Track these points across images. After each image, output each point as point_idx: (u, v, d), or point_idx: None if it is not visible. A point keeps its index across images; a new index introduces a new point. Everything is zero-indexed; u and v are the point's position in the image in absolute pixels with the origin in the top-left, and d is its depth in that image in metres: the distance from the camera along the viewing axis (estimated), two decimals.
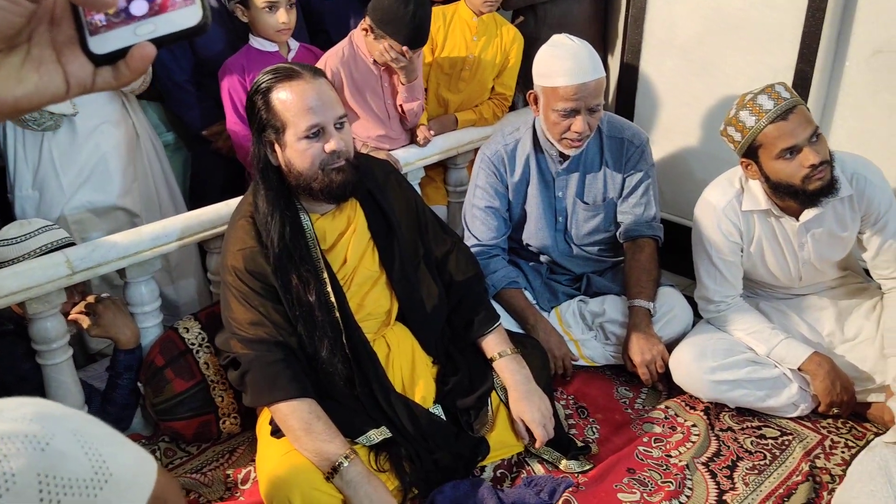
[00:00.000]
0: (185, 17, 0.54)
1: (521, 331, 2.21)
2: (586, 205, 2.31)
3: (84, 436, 0.55)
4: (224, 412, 2.01)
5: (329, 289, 1.77)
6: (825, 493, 1.81)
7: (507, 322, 2.17)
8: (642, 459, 1.93)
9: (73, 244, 1.90)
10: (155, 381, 1.96)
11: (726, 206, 2.05)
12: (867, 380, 2.03)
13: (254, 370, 1.70)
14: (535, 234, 2.36)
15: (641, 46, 2.76)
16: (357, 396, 1.79)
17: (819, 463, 1.91)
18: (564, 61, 2.05)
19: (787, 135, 1.85)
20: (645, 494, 1.81)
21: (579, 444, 1.97)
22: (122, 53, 0.53)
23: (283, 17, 2.28)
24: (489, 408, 1.90)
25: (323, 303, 1.75)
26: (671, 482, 1.84)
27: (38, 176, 2.24)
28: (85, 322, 1.94)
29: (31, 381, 1.87)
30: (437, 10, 2.54)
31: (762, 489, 1.83)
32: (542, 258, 2.43)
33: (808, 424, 2.05)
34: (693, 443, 1.99)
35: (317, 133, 1.67)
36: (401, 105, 2.41)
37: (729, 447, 1.97)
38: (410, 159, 2.44)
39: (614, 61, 2.90)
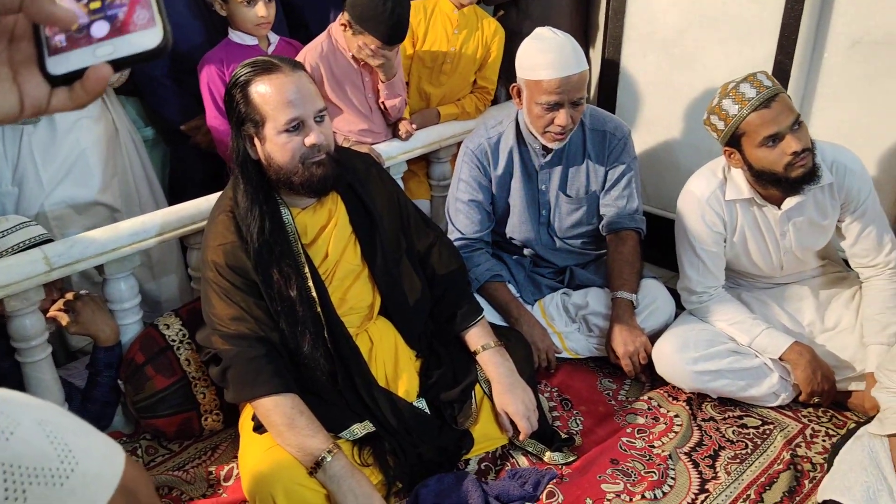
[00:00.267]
0: (146, 39, 0.54)
1: (504, 324, 2.21)
2: (569, 198, 2.31)
3: (50, 425, 0.54)
4: (206, 409, 1.99)
5: (310, 283, 1.76)
6: (806, 482, 1.82)
7: (490, 315, 2.17)
8: (626, 450, 1.94)
9: (50, 240, 1.88)
10: (135, 378, 1.94)
11: (710, 197, 2.06)
12: (847, 368, 2.05)
13: (235, 366, 1.69)
14: (518, 227, 2.36)
15: (622, 40, 2.77)
16: (340, 391, 1.78)
17: (800, 451, 1.93)
18: (548, 54, 2.05)
19: (769, 122, 1.86)
20: (628, 485, 1.82)
21: (563, 436, 1.97)
22: (79, 74, 0.53)
23: (262, 11, 2.27)
24: (473, 401, 1.90)
25: (304, 298, 1.74)
26: (654, 472, 1.85)
27: (18, 171, 2.21)
28: (64, 319, 1.92)
29: (10, 379, 1.85)
30: (417, 4, 2.54)
31: (744, 478, 1.84)
32: (526, 251, 2.44)
33: (790, 413, 2.07)
34: (676, 433, 2.00)
35: (297, 126, 1.65)
36: (383, 102, 2.40)
37: (711, 437, 1.99)
38: (393, 153, 2.43)
39: (596, 55, 2.91)
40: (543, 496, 1.77)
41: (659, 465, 1.88)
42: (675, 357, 2.07)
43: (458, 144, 2.51)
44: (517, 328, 2.17)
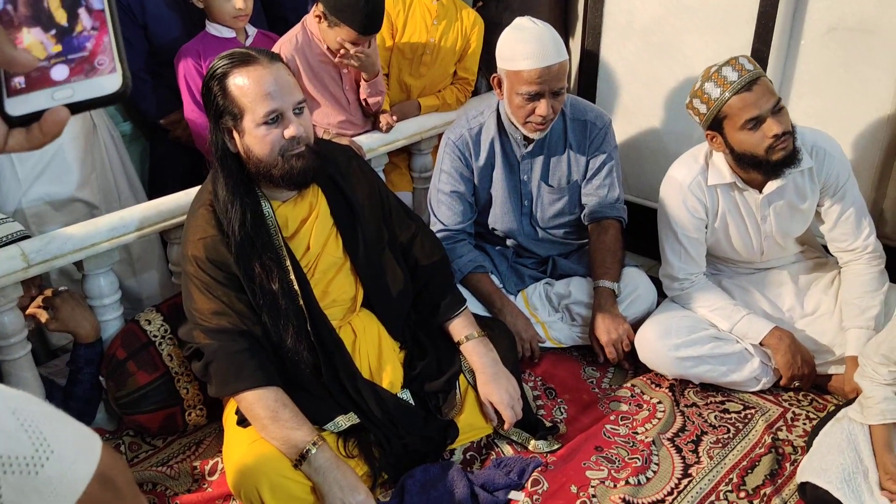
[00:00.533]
0: (105, 83, 0.55)
1: (488, 314, 2.22)
2: (551, 188, 2.32)
3: (23, 414, 0.54)
4: (189, 404, 1.98)
5: (292, 276, 1.75)
6: (788, 465, 1.85)
7: (474, 306, 2.18)
8: (609, 437, 1.95)
9: (28, 237, 1.85)
10: (117, 374, 1.92)
11: (692, 183, 2.08)
12: (827, 352, 2.08)
13: (218, 360, 1.68)
14: (500, 218, 2.36)
15: (601, 30, 2.77)
16: (324, 384, 1.78)
17: (781, 435, 1.95)
18: (528, 45, 2.05)
19: (751, 105, 1.87)
20: (612, 471, 1.83)
21: (547, 424, 1.99)
22: (36, 116, 0.54)
23: (240, 4, 2.25)
24: (457, 391, 1.91)
25: (286, 291, 1.73)
26: (638, 458, 1.87)
27: None
28: (43, 316, 1.90)
29: None
30: None
31: (726, 462, 1.86)
32: (508, 242, 2.44)
33: (770, 398, 2.10)
34: (659, 419, 2.02)
35: (275, 119, 1.64)
36: (365, 99, 2.40)
37: (693, 422, 2.01)
38: (374, 145, 2.43)
39: (575, 45, 2.91)
40: (529, 484, 1.78)
41: (642, 451, 1.90)
42: (657, 344, 2.09)
43: (440, 136, 2.51)
44: (500, 318, 2.18)
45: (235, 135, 1.68)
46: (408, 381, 1.89)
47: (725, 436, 1.95)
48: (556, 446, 1.91)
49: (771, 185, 1.99)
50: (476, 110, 2.32)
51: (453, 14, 2.59)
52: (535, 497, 1.75)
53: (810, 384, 2.08)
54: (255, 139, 1.65)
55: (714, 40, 2.48)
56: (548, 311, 2.31)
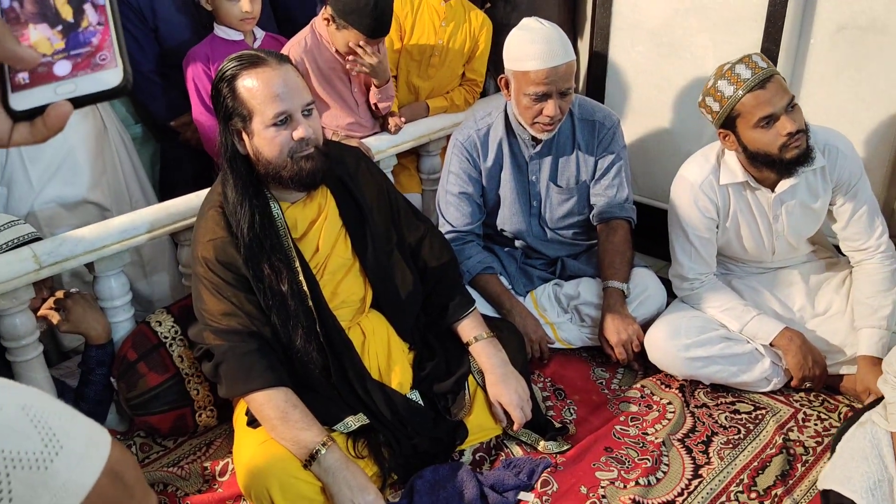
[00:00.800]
0: (107, 78, 0.56)
1: (497, 315, 2.22)
2: (560, 188, 2.32)
3: (33, 410, 0.55)
4: (200, 405, 1.99)
5: (301, 277, 1.76)
6: (799, 465, 1.83)
7: (483, 307, 2.17)
8: (619, 438, 1.95)
9: (39, 239, 1.87)
10: (128, 375, 1.94)
11: (703, 182, 2.07)
12: (838, 353, 2.06)
13: (228, 361, 1.69)
14: (509, 219, 2.36)
15: (610, 30, 2.77)
16: (334, 384, 1.79)
17: (792, 436, 1.94)
18: (535, 45, 2.05)
19: (764, 103, 1.87)
20: (622, 472, 1.83)
21: (557, 425, 1.98)
22: (40, 110, 0.55)
23: (247, 6, 2.26)
24: (466, 392, 1.91)
25: (296, 292, 1.74)
26: (648, 459, 1.86)
27: (6, 171, 2.20)
28: (55, 318, 1.91)
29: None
30: None
31: (737, 462, 1.86)
32: (517, 243, 2.44)
33: (781, 398, 2.08)
34: (669, 420, 2.01)
35: (284, 120, 1.65)
36: (375, 104, 2.40)
37: (704, 423, 2.00)
38: (382, 147, 2.43)
39: (584, 46, 2.91)
40: (538, 485, 1.78)
41: (652, 451, 1.89)
42: (667, 344, 2.08)
43: (448, 137, 2.51)
44: (509, 319, 2.18)
45: (245, 136, 1.68)
46: (417, 382, 1.89)
47: (736, 436, 1.94)
48: (565, 447, 1.91)
49: (783, 184, 1.99)
50: (484, 111, 2.32)
51: (461, 16, 2.60)
52: (544, 498, 1.75)
53: (822, 385, 2.07)
54: (264, 141, 1.66)
55: (723, 40, 2.48)
56: (557, 311, 2.31)
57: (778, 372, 2.08)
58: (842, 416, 2.00)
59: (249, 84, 1.64)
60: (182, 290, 2.36)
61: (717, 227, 2.13)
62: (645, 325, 2.18)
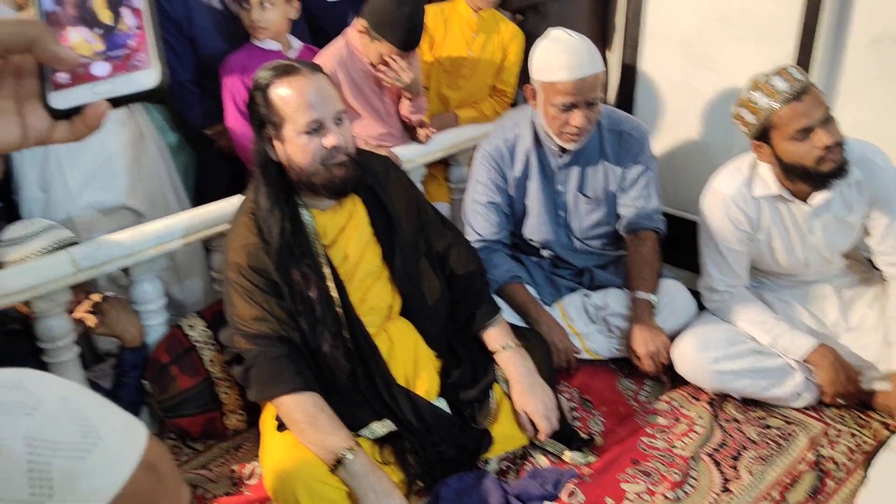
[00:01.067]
0: (143, 79, 0.58)
1: (524, 325, 2.22)
2: (587, 198, 2.31)
3: (72, 402, 0.57)
4: (229, 409, 2.02)
5: (330, 284, 1.78)
6: (830, 482, 1.80)
7: (509, 316, 2.17)
8: (646, 450, 1.93)
9: (77, 243, 1.91)
10: (160, 378, 1.97)
11: (735, 193, 2.05)
12: (871, 368, 2.03)
13: (258, 365, 1.71)
14: (536, 228, 2.36)
15: (641, 41, 2.77)
16: (360, 390, 1.80)
17: (824, 452, 1.91)
18: (562, 56, 2.06)
19: (801, 116, 1.85)
20: (649, 485, 1.81)
21: (583, 436, 1.97)
22: (79, 109, 0.57)
23: (255, 15, 2.30)
24: (492, 400, 1.91)
25: (324, 297, 1.76)
26: (676, 472, 1.84)
27: (45, 177, 2.26)
28: (90, 320, 1.95)
29: None
30: (435, 8, 2.56)
31: (767, 478, 1.83)
32: (545, 253, 2.44)
33: (813, 414, 2.05)
34: (697, 433, 1.99)
35: (316, 128, 1.68)
36: (407, 116, 2.43)
37: (733, 437, 1.97)
38: (412, 156, 2.45)
39: (614, 56, 2.91)
40: (564, 495, 1.77)
41: (681, 465, 1.87)
42: (695, 356, 2.07)
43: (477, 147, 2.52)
44: (536, 329, 2.17)
45: (277, 143, 1.72)
46: (443, 390, 1.90)
47: (766, 452, 1.92)
48: (591, 458, 1.90)
49: (818, 197, 1.96)
50: (511, 121, 2.33)
51: (492, 27, 2.61)
52: None
53: (855, 401, 2.04)
54: (296, 148, 1.69)
55: (755, 51, 2.46)
56: (584, 321, 2.30)
57: (810, 387, 2.05)
58: (874, 433, 1.97)
59: (283, 92, 1.67)
60: (214, 295, 2.40)
61: (750, 240, 2.11)
62: (673, 337, 2.16)
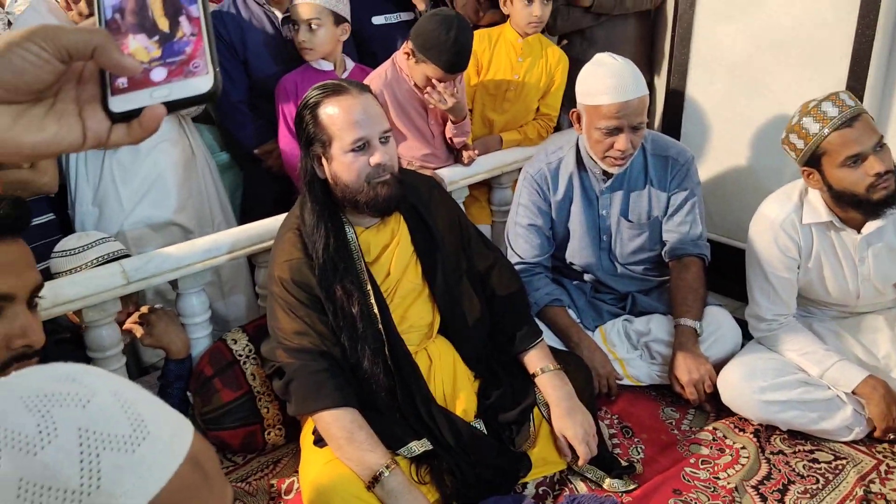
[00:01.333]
0: (199, 84, 0.60)
1: (564, 349, 2.20)
2: (631, 223, 2.30)
3: (123, 396, 0.58)
4: (269, 423, 2.04)
5: (372, 300, 1.79)
6: None
7: (550, 340, 2.15)
8: (689, 481, 1.89)
9: (128, 256, 1.97)
10: (204, 390, 2.00)
11: (784, 220, 2.02)
12: None
13: (298, 379, 1.73)
14: (578, 252, 2.35)
15: (688, 66, 2.75)
16: (399, 408, 1.80)
17: (874, 488, 1.84)
18: (607, 80, 2.06)
19: (852, 142, 1.82)
20: None
21: (623, 463, 1.94)
22: (136, 113, 0.59)
23: (302, 36, 2.37)
24: (531, 423, 1.89)
25: (366, 314, 1.77)
26: None
27: (99, 192, 2.35)
28: (138, 331, 2.00)
29: None
30: (482, 32, 2.59)
31: None
32: (587, 277, 2.42)
33: (863, 448, 1.98)
34: (742, 465, 1.94)
35: (362, 146, 1.71)
36: (451, 138, 2.45)
37: (780, 470, 1.91)
38: (455, 178, 2.47)
39: (661, 82, 2.90)
40: None
41: (724, 497, 1.82)
42: (741, 385, 2.02)
43: (520, 170, 2.53)
44: (577, 353, 2.15)
45: (324, 161, 1.75)
46: (481, 411, 1.89)
47: (814, 486, 1.85)
48: (631, 486, 1.86)
49: (870, 226, 1.92)
50: (555, 145, 2.34)
51: (538, 51, 2.63)
52: None
53: None
54: (342, 165, 1.71)
55: (805, 77, 2.43)
56: (626, 347, 2.27)
57: (860, 421, 1.98)
58: None
59: (331, 111, 1.70)
60: (257, 311, 2.44)
61: (799, 268, 2.06)
62: (718, 366, 2.12)
